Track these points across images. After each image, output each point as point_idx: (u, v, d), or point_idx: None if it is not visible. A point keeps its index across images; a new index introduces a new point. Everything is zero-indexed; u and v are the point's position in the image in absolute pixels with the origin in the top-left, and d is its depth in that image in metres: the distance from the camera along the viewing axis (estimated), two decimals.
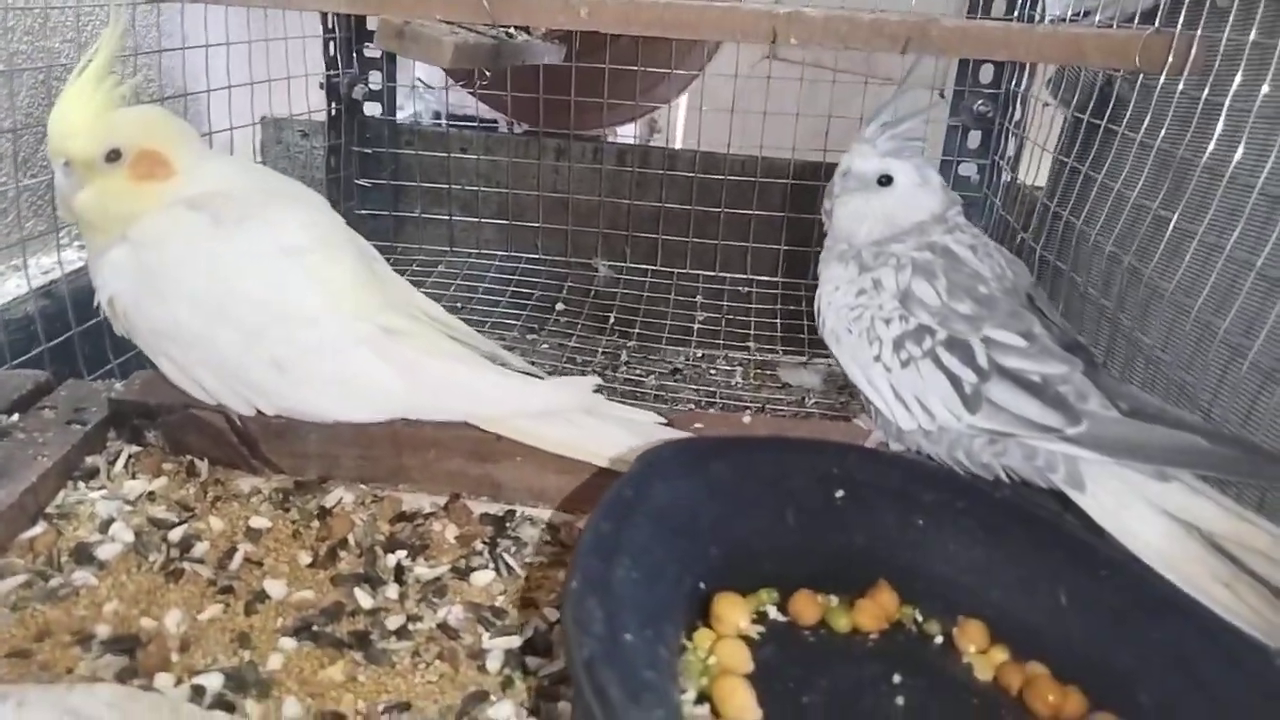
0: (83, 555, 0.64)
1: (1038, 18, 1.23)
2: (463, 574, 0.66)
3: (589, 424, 0.69)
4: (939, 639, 0.57)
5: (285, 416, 0.71)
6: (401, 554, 0.67)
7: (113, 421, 0.75)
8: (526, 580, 0.66)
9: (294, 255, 0.68)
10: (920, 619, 0.58)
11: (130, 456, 0.74)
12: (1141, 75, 0.91)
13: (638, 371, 1.21)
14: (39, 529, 0.66)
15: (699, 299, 1.39)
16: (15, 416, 0.74)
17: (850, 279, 0.68)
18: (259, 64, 1.19)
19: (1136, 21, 0.93)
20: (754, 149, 1.40)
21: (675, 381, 1.20)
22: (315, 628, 0.59)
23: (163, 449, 0.75)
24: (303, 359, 0.67)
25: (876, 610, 0.56)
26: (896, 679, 0.52)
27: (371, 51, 1.36)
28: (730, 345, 1.32)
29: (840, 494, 0.58)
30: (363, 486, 0.74)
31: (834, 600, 0.56)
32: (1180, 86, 0.86)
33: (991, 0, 1.29)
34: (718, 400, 1.15)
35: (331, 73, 1.32)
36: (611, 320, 1.33)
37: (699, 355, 1.29)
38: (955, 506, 0.59)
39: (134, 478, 0.72)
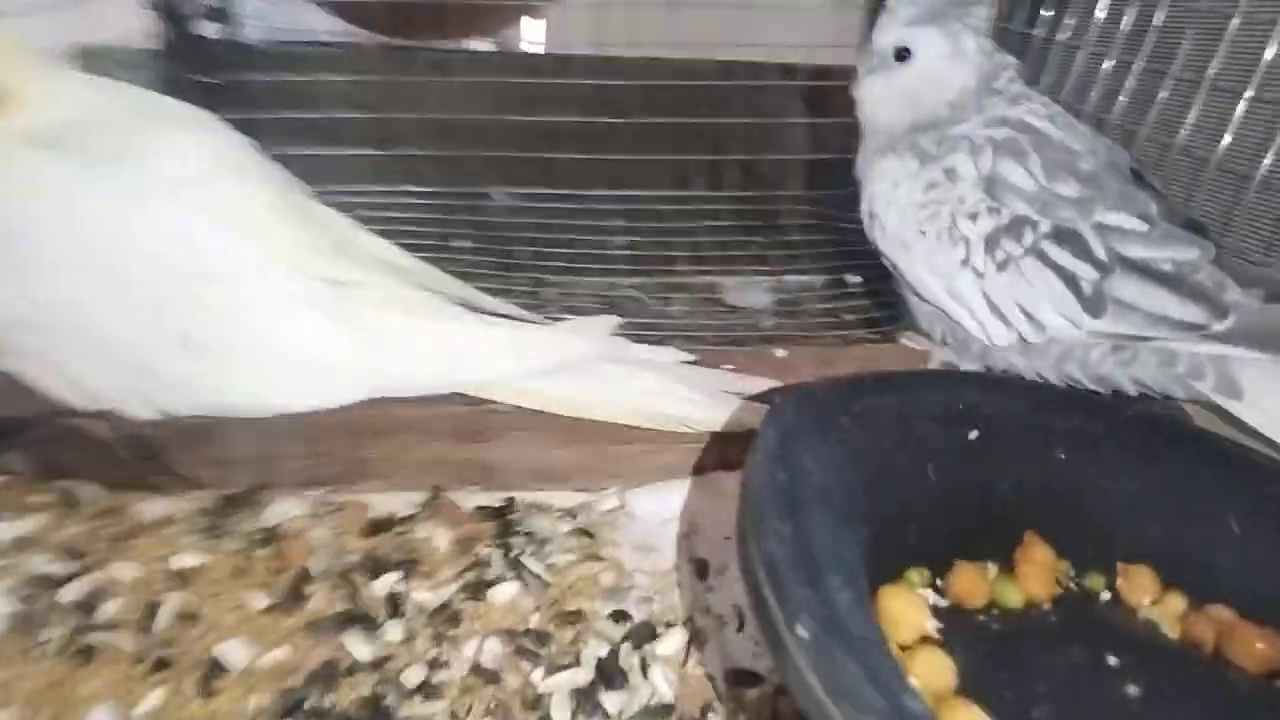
0: None
1: None
2: (476, 592, 0.51)
3: (612, 374, 0.55)
4: (1105, 594, 0.46)
5: (202, 414, 0.53)
6: (390, 578, 0.51)
7: None
8: (558, 587, 0.51)
9: (195, 192, 0.49)
10: (1075, 574, 0.47)
11: None
12: None
13: (573, 310, 1.06)
14: None
15: (613, 222, 1.24)
16: None
17: (912, 173, 0.55)
18: None
19: None
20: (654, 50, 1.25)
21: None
22: (308, 703, 0.43)
23: (28, 475, 0.55)
24: (222, 331, 0.49)
25: (1042, 574, 0.45)
26: (1112, 661, 0.41)
27: None
28: (660, 270, 1.19)
29: (974, 434, 0.46)
30: (311, 493, 0.57)
31: (993, 570, 0.45)
32: None
33: None
34: (666, 334, 1.01)
35: None
36: (520, 255, 1.16)
37: (626, 285, 1.15)
38: (1091, 432, 0.49)
39: None
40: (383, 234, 1.15)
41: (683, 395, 0.56)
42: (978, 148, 0.54)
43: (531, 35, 1.57)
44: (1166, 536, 0.47)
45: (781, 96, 1.28)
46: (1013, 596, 0.44)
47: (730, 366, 0.62)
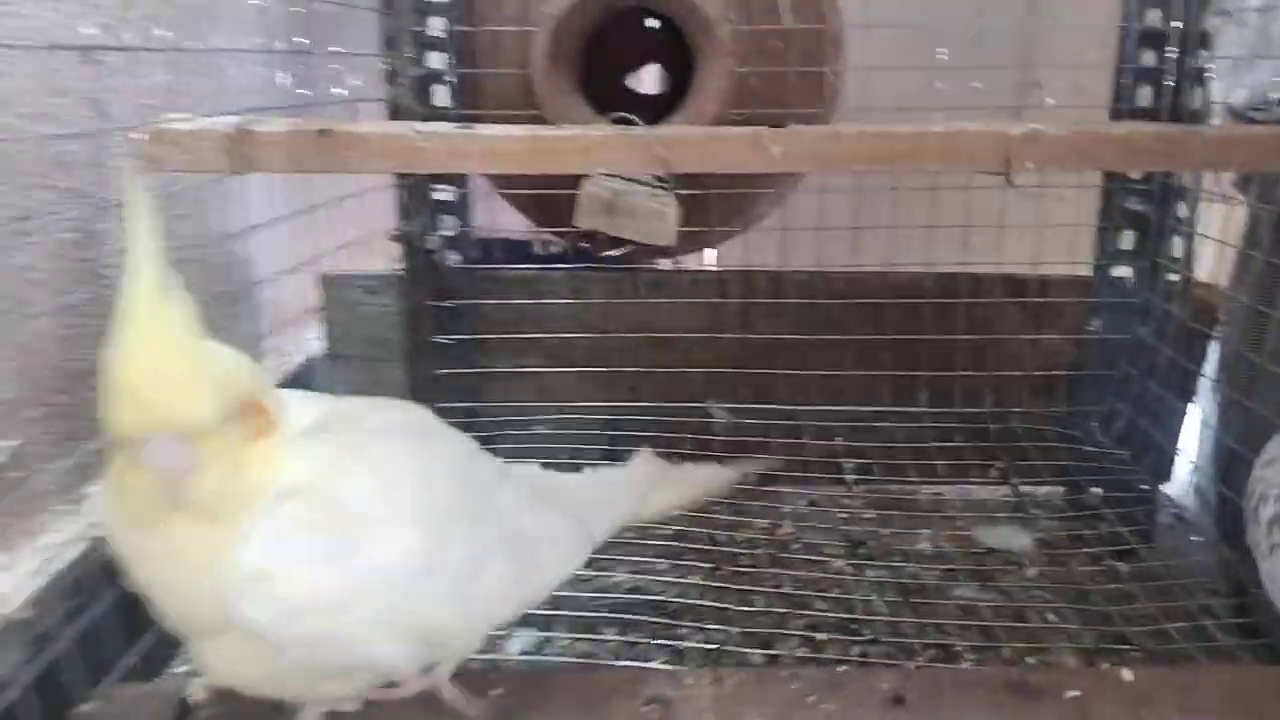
0: None
1: (1198, 103, 1.11)
2: None
3: None
4: None
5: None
6: None
7: None
8: None
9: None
10: None
11: None
12: None
13: (814, 549, 1.03)
14: None
15: (838, 439, 1.22)
16: None
17: None
18: (310, 224, 1.02)
19: None
20: (860, 265, 1.25)
21: (859, 558, 1.02)
22: None
23: None
24: None
25: None
26: None
27: (443, 194, 1.19)
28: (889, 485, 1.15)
29: None
30: None
31: None
32: None
33: (1135, 89, 1.15)
34: (928, 599, 0.95)
35: (403, 224, 1.15)
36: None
37: (867, 517, 1.11)
38: None
39: None
40: (605, 452, 1.18)
41: None
42: None
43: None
44: None
45: (1004, 310, 1.26)
46: None
47: (1073, 692, 0.56)
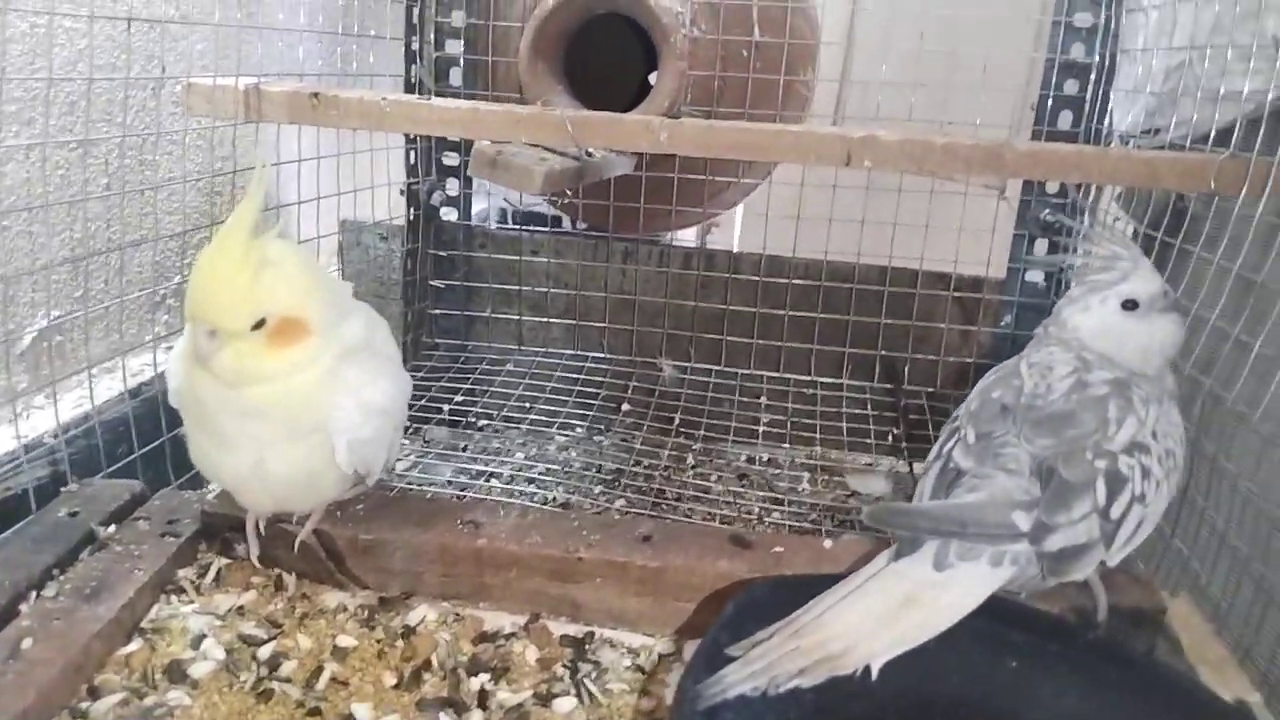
0: (175, 673, 0.65)
1: (1104, 131, 1.25)
2: (544, 700, 0.66)
3: None
4: None
5: (373, 533, 0.73)
6: (484, 677, 0.67)
7: (204, 534, 0.78)
8: (607, 708, 0.66)
9: None
10: None
11: (220, 569, 0.76)
12: (1216, 198, 0.91)
13: (706, 475, 1.22)
14: (134, 645, 0.67)
15: (763, 400, 1.40)
16: (112, 528, 0.77)
17: None
18: (343, 174, 1.24)
19: (1211, 142, 0.94)
20: (818, 254, 1.42)
21: (742, 487, 1.20)
22: None
23: (250, 562, 0.76)
24: None
25: None
26: None
27: (449, 159, 1.41)
28: (796, 445, 1.32)
29: None
30: (445, 604, 0.75)
31: None
32: (1260, 210, 0.86)
33: (1059, 113, 1.30)
34: (785, 506, 1.14)
35: (412, 180, 1.37)
36: (677, 421, 1.33)
37: (765, 459, 1.29)
38: (1046, 649, 0.58)
39: (224, 591, 0.74)
40: (568, 390, 1.37)
41: None
42: None
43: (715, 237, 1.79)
44: None
45: (934, 303, 1.40)
46: None
47: (778, 549, 0.75)
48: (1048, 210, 1.32)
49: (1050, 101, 1.29)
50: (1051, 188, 1.32)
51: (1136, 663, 0.58)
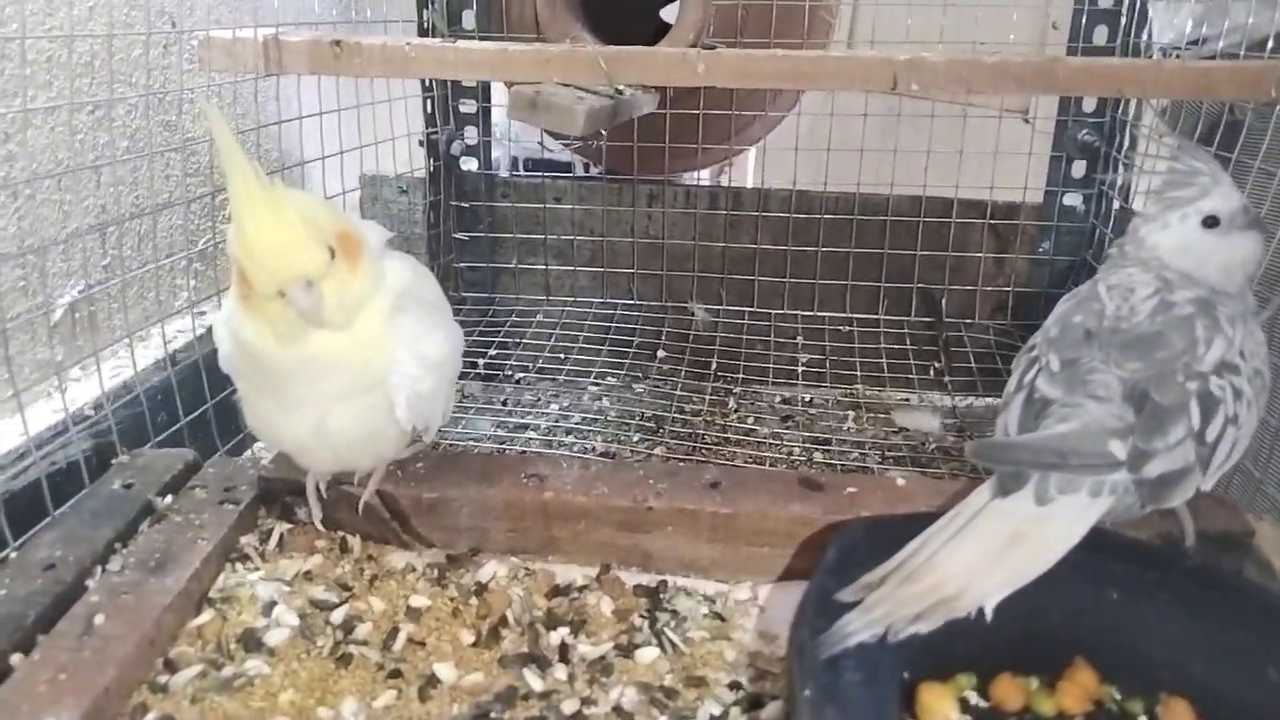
0: (251, 641, 0.64)
1: (1143, 45, 1.21)
2: (626, 651, 0.65)
3: None
4: (1142, 719, 0.54)
5: (437, 491, 0.72)
6: (563, 631, 0.66)
7: (263, 499, 0.76)
8: (691, 656, 0.65)
9: None
10: (1119, 697, 0.55)
11: (282, 535, 0.74)
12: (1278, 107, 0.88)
13: (747, 419, 1.20)
14: (206, 616, 0.66)
15: (800, 340, 1.38)
16: (169, 498, 0.75)
17: None
18: (359, 125, 1.21)
19: (1270, 48, 0.90)
20: (849, 186, 1.38)
21: (786, 428, 1.18)
22: (493, 715, 0.59)
23: (314, 526, 0.75)
24: None
25: (1078, 691, 0.54)
26: None
27: (467, 107, 1.37)
28: (836, 384, 1.30)
29: None
30: (514, 559, 0.73)
31: (1034, 683, 0.54)
32: None
33: (1094, 28, 1.25)
34: (833, 447, 1.13)
35: (430, 130, 1.33)
36: (713, 366, 1.31)
37: (806, 399, 1.27)
38: (1146, 579, 0.57)
39: (289, 557, 0.73)
40: (600, 339, 1.35)
41: None
42: None
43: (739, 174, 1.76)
44: (1208, 677, 0.55)
45: (970, 232, 1.37)
46: (1045, 706, 0.53)
47: (852, 489, 0.73)
48: (1085, 130, 1.28)
49: (1085, 17, 1.25)
50: (1088, 106, 1.28)
51: (1238, 587, 0.57)
